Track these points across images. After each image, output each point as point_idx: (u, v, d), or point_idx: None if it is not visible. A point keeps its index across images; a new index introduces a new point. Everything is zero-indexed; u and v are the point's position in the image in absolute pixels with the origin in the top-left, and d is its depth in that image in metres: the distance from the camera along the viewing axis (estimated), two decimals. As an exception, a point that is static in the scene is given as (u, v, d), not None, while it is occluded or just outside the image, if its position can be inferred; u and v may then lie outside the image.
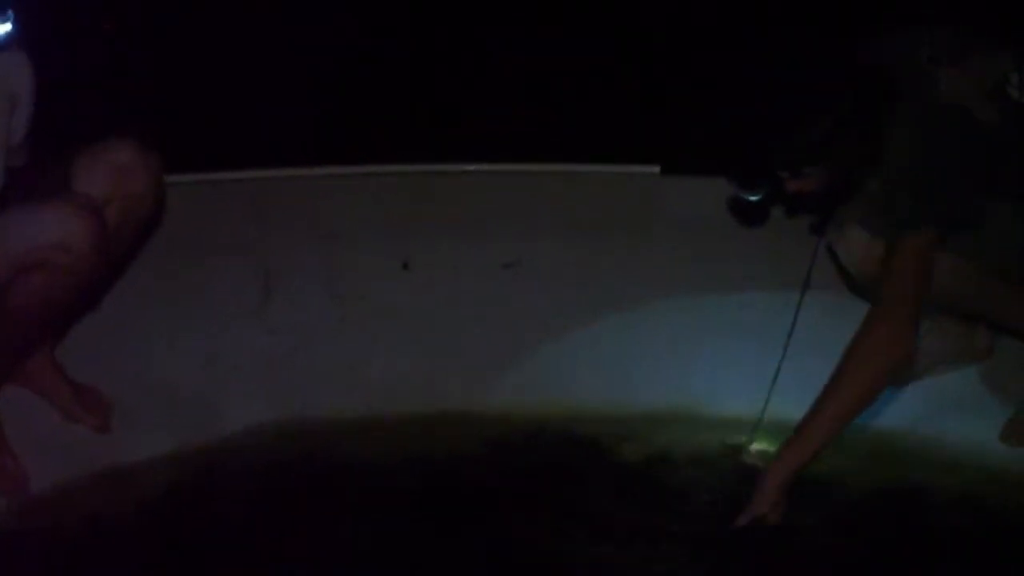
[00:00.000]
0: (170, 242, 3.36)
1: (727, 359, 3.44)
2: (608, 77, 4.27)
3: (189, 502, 3.03)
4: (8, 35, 2.83)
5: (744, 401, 3.32)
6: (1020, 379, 3.16)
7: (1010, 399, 3.24)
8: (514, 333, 3.51)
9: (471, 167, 3.70)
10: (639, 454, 3.22)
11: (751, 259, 3.54)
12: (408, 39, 4.31)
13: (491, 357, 3.47)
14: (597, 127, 4.01)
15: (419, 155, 3.72)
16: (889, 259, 2.82)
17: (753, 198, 2.86)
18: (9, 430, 3.01)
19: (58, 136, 3.04)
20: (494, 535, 2.90)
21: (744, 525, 2.82)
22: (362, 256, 3.56)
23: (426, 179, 3.68)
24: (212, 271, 3.47)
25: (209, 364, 3.38)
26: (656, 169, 3.67)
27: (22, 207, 2.89)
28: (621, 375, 3.44)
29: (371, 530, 2.93)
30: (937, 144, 2.83)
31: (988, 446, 3.18)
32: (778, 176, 2.81)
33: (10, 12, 2.82)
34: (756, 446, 3.22)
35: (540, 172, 3.71)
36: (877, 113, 2.82)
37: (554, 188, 3.68)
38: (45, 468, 3.02)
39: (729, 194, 3.04)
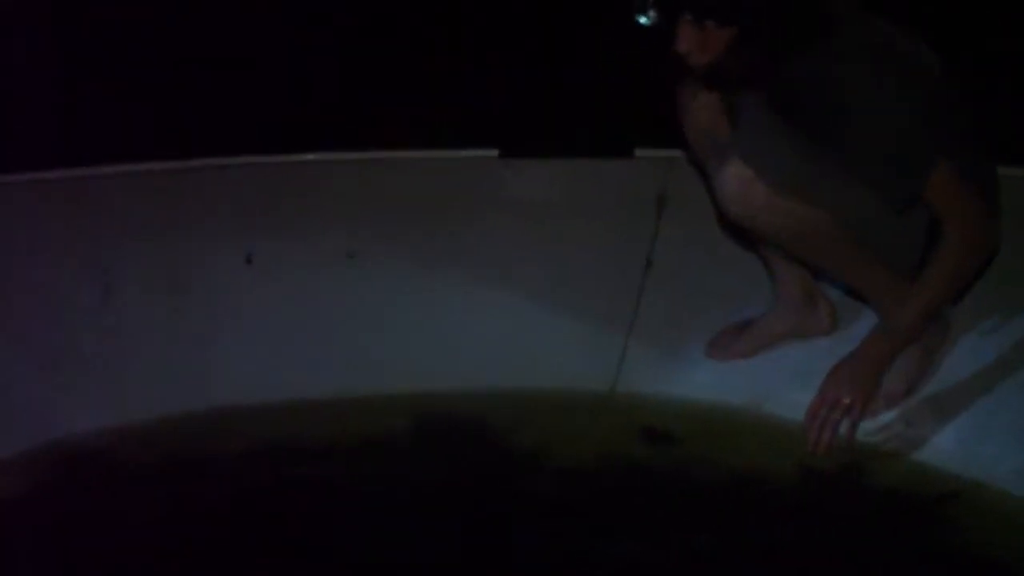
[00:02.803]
0: (3, 244, 3.28)
1: (571, 339, 3.46)
2: (444, 58, 4.26)
3: (28, 507, 2.97)
4: None
5: (590, 380, 3.39)
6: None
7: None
8: (357, 323, 3.48)
9: (310, 156, 3.67)
10: (490, 436, 3.24)
11: (593, 240, 3.56)
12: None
13: (334, 348, 3.44)
14: (433, 111, 4.00)
15: (258, 146, 3.68)
16: (939, 196, 2.91)
17: (643, 20, 2.83)
18: None
19: None
20: (355, 526, 2.92)
21: None
22: (204, 251, 3.50)
23: (266, 170, 3.64)
24: (48, 272, 3.38)
25: (48, 367, 3.29)
26: (494, 152, 3.67)
27: None
28: (465, 360, 3.43)
29: (225, 529, 2.89)
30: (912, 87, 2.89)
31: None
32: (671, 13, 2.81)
33: None
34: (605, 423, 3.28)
35: (379, 159, 3.69)
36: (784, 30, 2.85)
37: (393, 175, 3.66)
38: None
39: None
